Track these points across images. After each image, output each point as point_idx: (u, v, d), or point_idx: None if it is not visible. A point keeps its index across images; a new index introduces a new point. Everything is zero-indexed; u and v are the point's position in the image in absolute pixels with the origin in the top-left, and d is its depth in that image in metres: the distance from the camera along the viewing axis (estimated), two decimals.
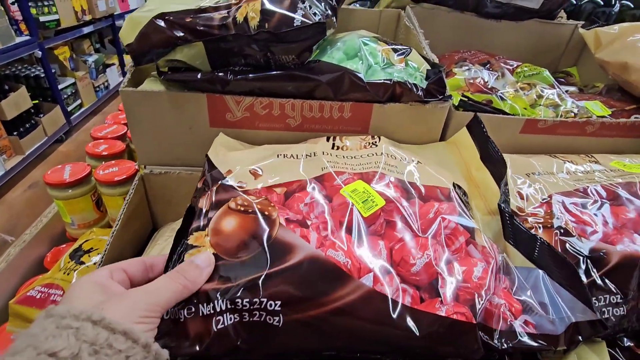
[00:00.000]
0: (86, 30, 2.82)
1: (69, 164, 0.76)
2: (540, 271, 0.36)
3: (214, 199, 0.37)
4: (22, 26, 2.24)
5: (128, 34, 0.50)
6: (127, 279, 0.30)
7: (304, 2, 0.48)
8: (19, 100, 2.16)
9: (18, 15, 2.21)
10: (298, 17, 0.45)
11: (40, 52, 2.35)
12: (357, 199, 0.37)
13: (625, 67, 0.68)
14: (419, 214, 0.38)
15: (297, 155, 0.44)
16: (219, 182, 0.38)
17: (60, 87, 2.62)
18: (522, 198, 0.48)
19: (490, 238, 0.44)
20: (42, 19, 2.36)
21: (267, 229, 0.33)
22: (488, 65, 0.71)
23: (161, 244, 0.49)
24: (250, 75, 0.47)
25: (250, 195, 0.37)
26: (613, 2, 0.88)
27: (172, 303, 0.28)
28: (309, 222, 0.36)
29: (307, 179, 0.41)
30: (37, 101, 2.40)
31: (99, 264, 0.45)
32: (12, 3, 2.15)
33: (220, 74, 0.48)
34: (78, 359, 0.21)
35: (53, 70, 2.56)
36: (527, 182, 0.50)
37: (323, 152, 0.44)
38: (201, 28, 0.46)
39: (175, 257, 0.35)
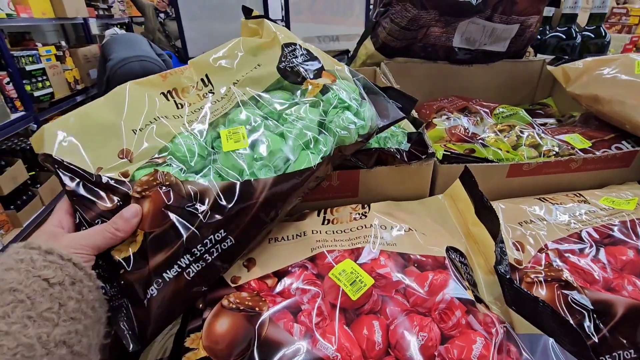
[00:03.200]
0: (79, 98, 2.92)
1: None
2: (548, 338, 0.35)
3: (207, 297, 0.37)
4: (17, 103, 2.32)
5: (39, 142, 0.41)
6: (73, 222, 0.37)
7: None
8: (16, 174, 2.19)
9: (13, 94, 2.29)
10: None
11: (35, 125, 2.42)
12: (345, 281, 0.37)
13: (597, 99, 0.70)
14: (414, 287, 0.38)
15: (287, 237, 0.44)
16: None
17: None
18: (518, 249, 0.48)
19: (494, 301, 0.43)
20: (36, 94, 2.45)
21: (256, 329, 0.33)
22: (466, 110, 0.74)
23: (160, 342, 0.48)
24: None
25: (243, 290, 0.37)
26: (574, 35, 0.94)
27: (100, 246, 0.34)
28: (302, 307, 0.36)
29: (299, 260, 0.41)
30: (33, 172, 2.43)
31: None
32: (7, 83, 2.24)
33: None
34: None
35: None
36: (521, 232, 0.50)
37: (313, 231, 0.44)
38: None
39: None
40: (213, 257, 0.37)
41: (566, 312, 0.41)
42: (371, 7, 1.20)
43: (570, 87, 0.75)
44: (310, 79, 0.50)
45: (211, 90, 0.50)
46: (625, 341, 0.38)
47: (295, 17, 1.12)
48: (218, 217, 0.37)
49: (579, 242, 0.48)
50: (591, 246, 0.47)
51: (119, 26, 3.89)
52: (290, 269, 0.41)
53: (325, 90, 0.49)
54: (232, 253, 0.38)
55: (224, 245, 0.37)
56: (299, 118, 0.46)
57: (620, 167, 0.63)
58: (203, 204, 0.37)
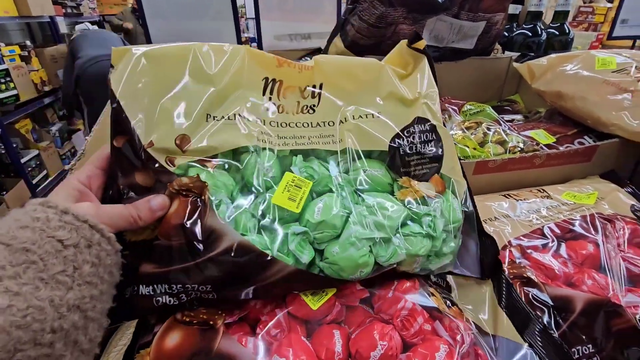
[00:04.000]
0: (47, 100, 2.80)
1: None
2: (529, 351, 0.35)
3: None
4: None
5: (118, 59, 0.37)
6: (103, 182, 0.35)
7: None
8: None
9: None
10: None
11: (0, 130, 2.30)
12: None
13: (560, 96, 0.71)
14: (379, 295, 0.37)
15: None
16: None
17: (23, 160, 2.54)
18: None
19: (466, 302, 0.43)
20: None
21: (208, 343, 0.31)
22: None
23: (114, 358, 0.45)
24: None
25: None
26: (540, 32, 0.95)
27: (118, 227, 0.31)
28: (262, 319, 0.35)
29: None
30: None
31: None
32: None
33: None
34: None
35: (14, 145, 2.50)
36: (487, 228, 0.50)
37: None
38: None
39: None
40: (189, 298, 0.34)
41: (528, 309, 0.41)
42: (343, 4, 1.19)
43: (535, 83, 0.77)
44: (414, 179, 0.40)
45: (314, 106, 0.42)
46: (584, 337, 0.39)
47: (266, 14, 1.10)
48: (215, 272, 0.32)
49: (541, 238, 0.49)
50: (553, 241, 0.48)
51: (90, 24, 3.74)
52: None
53: (422, 201, 0.39)
54: (209, 303, 0.35)
55: (204, 296, 0.34)
56: (381, 212, 0.36)
57: (582, 162, 0.64)
58: (209, 248, 0.33)
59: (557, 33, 0.97)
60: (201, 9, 1.03)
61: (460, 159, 0.61)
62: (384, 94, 0.43)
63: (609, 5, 2.65)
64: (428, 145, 0.41)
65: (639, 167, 0.66)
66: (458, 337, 0.34)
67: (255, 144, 0.38)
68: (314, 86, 0.43)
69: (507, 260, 0.46)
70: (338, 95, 0.43)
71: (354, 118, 0.41)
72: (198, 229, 0.33)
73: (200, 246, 0.32)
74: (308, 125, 0.41)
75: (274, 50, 1.08)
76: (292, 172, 0.38)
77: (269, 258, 0.33)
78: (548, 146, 0.67)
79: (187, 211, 0.33)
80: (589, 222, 0.50)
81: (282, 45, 1.16)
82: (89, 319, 0.26)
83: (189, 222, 0.33)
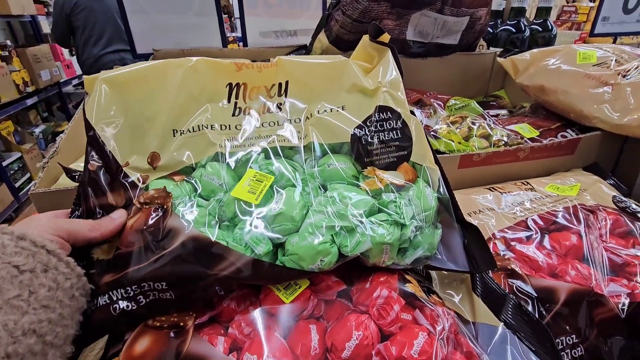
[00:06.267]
0: (30, 101, 2.72)
1: None
2: (506, 331, 0.35)
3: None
4: None
5: (90, 86, 0.39)
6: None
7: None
8: None
9: None
10: None
11: None
12: (279, 284, 0.35)
13: (543, 90, 0.72)
14: (357, 287, 0.36)
15: None
16: None
17: (5, 163, 2.47)
18: None
19: (448, 291, 0.42)
20: None
21: (177, 345, 0.31)
22: (420, 103, 0.74)
23: None
24: None
25: None
26: (523, 29, 0.96)
27: (79, 233, 0.32)
28: (235, 318, 0.34)
29: None
30: None
31: None
32: None
33: None
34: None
35: None
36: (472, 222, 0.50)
37: None
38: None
39: None
40: (148, 300, 0.32)
41: (501, 290, 0.40)
42: (328, 0, 1.18)
43: (519, 78, 0.77)
44: (378, 169, 0.39)
45: (280, 105, 0.43)
46: (567, 327, 0.39)
47: (250, 10, 1.08)
48: (168, 266, 0.32)
49: (525, 230, 0.48)
50: (537, 233, 0.48)
51: None
52: None
53: (387, 189, 0.38)
54: (169, 307, 0.33)
55: (162, 296, 0.32)
56: (343, 202, 0.35)
57: (565, 155, 0.64)
58: (165, 246, 0.32)
59: (540, 29, 0.98)
60: (184, 4, 1.01)
61: (445, 153, 0.61)
62: (347, 88, 0.43)
63: (592, 4, 2.70)
64: (392, 134, 0.40)
65: (620, 159, 0.67)
66: (438, 325, 0.33)
67: (218, 150, 0.39)
68: (280, 84, 0.43)
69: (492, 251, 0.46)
70: (304, 92, 0.43)
71: (318, 113, 0.42)
72: (157, 230, 0.33)
73: (156, 245, 0.32)
74: (274, 124, 0.42)
75: (260, 47, 1.06)
76: (253, 169, 0.38)
77: (222, 246, 0.33)
78: (532, 140, 0.67)
79: (149, 219, 0.34)
80: (572, 214, 0.50)
81: (268, 42, 1.15)
82: (47, 344, 0.25)
83: (149, 227, 0.33)
